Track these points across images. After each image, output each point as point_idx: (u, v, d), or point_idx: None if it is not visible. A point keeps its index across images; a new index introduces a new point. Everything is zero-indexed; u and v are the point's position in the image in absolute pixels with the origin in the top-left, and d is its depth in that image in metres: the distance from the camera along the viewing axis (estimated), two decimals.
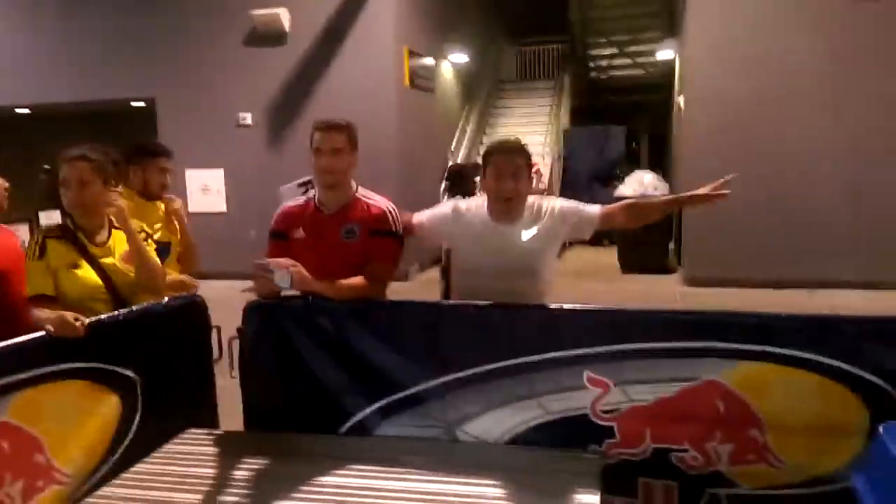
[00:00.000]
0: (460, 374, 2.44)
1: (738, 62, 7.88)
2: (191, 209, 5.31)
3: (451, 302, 2.66)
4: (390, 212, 2.68)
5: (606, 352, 2.33)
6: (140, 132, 9.51)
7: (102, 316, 2.34)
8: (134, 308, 2.48)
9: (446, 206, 2.83)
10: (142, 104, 9.98)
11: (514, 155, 2.63)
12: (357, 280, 2.56)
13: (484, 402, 2.44)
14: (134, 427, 2.36)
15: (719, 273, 7.73)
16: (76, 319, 2.15)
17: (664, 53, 11.84)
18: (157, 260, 2.64)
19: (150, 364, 2.43)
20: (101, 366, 2.25)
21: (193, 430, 2.51)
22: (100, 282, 2.48)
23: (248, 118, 9.43)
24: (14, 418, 1.97)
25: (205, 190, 9.32)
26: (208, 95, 9.46)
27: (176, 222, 3.36)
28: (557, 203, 2.69)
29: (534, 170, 11.48)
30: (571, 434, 2.36)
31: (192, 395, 2.64)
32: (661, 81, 13.84)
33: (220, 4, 9.36)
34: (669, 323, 2.34)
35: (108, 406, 2.28)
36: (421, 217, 2.82)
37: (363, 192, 2.73)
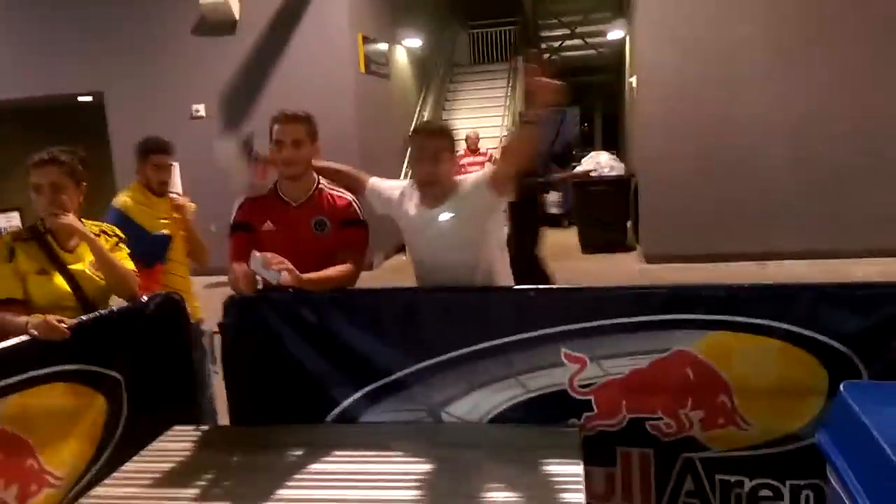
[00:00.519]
0: (441, 358, 2.49)
1: (687, 43, 8.03)
2: None
3: (428, 287, 2.71)
4: (354, 201, 2.76)
5: (582, 329, 2.41)
6: (89, 128, 9.23)
7: (83, 317, 2.32)
8: (113, 308, 2.47)
9: (399, 185, 2.79)
10: (89, 98, 9.67)
11: (433, 138, 2.55)
12: (339, 269, 2.60)
13: (465, 384, 2.50)
14: (121, 427, 2.36)
15: (675, 249, 7.95)
16: (59, 321, 2.14)
17: (615, 34, 11.98)
18: (126, 265, 2.57)
19: (133, 363, 2.43)
20: (85, 367, 2.24)
21: (179, 427, 2.52)
22: (68, 288, 2.43)
23: (201, 110, 9.23)
24: (4, 424, 1.96)
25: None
26: (159, 88, 9.20)
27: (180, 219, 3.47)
28: (469, 177, 2.67)
29: (487, 157, 11.34)
30: (551, 410, 2.44)
31: (176, 391, 2.64)
32: (613, 62, 14.03)
33: None
34: (641, 298, 2.42)
35: (95, 407, 2.28)
36: (377, 182, 2.82)
37: (324, 183, 2.78)
